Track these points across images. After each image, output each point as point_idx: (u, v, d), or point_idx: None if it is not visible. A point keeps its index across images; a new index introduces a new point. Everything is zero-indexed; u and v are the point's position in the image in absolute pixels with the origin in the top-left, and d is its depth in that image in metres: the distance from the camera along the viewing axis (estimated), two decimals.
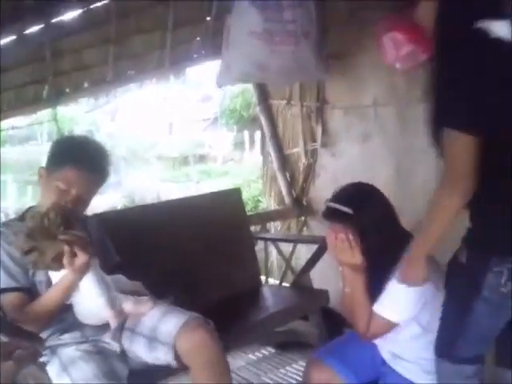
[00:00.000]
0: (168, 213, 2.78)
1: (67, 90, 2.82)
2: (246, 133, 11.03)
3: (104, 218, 2.36)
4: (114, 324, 1.82)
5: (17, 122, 3.86)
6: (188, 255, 2.72)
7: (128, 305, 1.87)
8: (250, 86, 10.18)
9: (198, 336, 1.81)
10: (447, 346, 1.69)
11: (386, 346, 1.94)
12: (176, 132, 11.81)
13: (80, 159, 1.89)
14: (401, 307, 1.76)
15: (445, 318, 1.69)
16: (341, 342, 2.09)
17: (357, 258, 1.75)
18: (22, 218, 1.94)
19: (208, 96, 12.56)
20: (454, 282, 1.67)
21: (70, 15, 2.65)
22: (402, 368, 1.88)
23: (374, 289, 1.80)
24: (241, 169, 10.05)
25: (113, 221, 2.47)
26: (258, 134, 10.60)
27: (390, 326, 1.79)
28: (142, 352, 1.87)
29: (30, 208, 2.00)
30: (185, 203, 2.95)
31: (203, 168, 10.58)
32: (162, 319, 1.86)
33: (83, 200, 1.93)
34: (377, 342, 1.94)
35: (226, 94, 11.71)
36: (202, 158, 11.16)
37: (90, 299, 1.80)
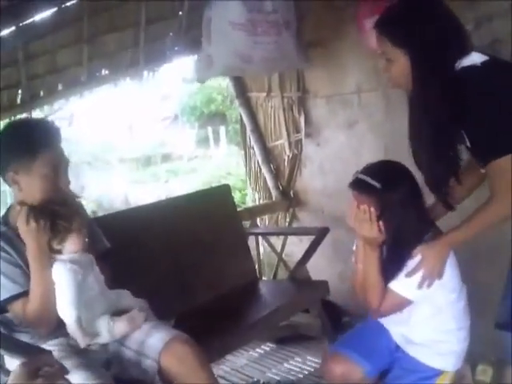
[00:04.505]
0: (159, 214, 2.73)
1: (41, 94, 2.70)
2: (209, 129, 10.94)
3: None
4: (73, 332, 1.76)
5: None
6: (182, 255, 2.68)
7: (121, 327, 1.83)
8: (209, 83, 10.10)
9: (181, 349, 1.82)
10: None
11: (398, 330, 1.94)
12: (137, 133, 11.63)
13: (48, 140, 1.86)
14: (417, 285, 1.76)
15: None
16: (355, 332, 2.09)
17: (374, 232, 1.75)
18: (5, 221, 1.88)
19: (166, 94, 12.42)
20: None
21: (42, 16, 2.54)
22: (415, 351, 1.89)
23: (390, 267, 1.80)
24: (207, 165, 9.95)
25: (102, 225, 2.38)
26: (222, 130, 10.57)
27: (404, 304, 1.80)
28: (129, 365, 1.85)
29: (9, 209, 1.93)
30: (175, 203, 2.89)
31: (169, 167, 10.43)
32: (149, 333, 1.86)
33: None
34: (389, 326, 1.96)
35: (185, 91, 11.61)
36: (165, 157, 11.02)
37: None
